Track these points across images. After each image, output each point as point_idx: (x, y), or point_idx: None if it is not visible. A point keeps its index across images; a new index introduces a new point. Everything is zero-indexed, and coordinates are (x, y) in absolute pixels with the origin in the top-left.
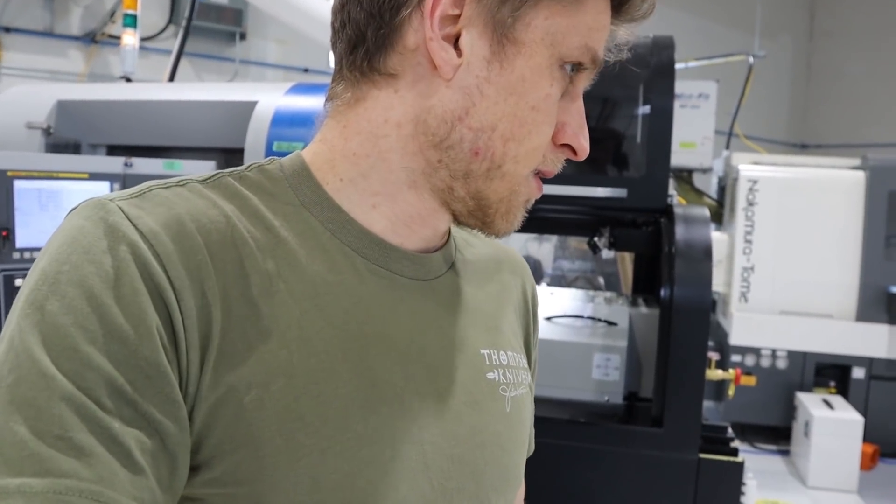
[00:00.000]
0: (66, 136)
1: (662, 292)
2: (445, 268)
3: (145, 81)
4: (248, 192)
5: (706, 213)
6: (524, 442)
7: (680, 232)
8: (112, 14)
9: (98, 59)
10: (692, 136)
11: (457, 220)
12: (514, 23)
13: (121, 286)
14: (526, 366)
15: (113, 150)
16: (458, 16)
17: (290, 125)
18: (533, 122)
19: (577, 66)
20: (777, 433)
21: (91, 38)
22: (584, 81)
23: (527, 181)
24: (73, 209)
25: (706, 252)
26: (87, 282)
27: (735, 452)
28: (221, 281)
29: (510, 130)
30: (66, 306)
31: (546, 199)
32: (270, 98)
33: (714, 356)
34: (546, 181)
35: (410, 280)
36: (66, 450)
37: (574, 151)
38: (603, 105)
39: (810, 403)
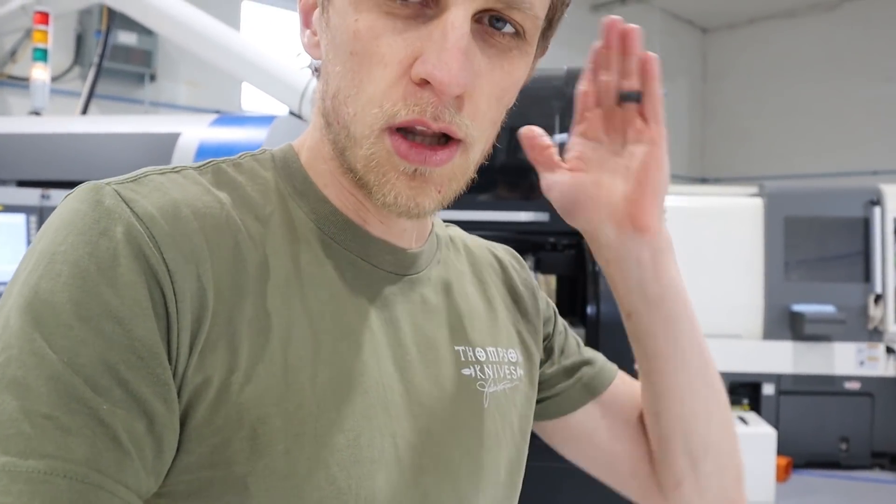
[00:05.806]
0: None
1: (589, 309)
2: (427, 264)
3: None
4: (242, 179)
5: None
6: (508, 438)
7: None
8: (13, 53)
9: None
10: None
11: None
12: None
13: (116, 267)
14: (516, 360)
15: (23, 186)
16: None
17: (215, 157)
18: (358, 70)
19: None
20: None
21: None
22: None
23: (378, 141)
24: (68, 194)
25: None
26: (83, 262)
27: None
28: (216, 266)
29: (346, 88)
30: (60, 285)
31: (472, 224)
32: (194, 130)
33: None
34: (469, 207)
35: (390, 273)
36: (52, 430)
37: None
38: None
39: None
